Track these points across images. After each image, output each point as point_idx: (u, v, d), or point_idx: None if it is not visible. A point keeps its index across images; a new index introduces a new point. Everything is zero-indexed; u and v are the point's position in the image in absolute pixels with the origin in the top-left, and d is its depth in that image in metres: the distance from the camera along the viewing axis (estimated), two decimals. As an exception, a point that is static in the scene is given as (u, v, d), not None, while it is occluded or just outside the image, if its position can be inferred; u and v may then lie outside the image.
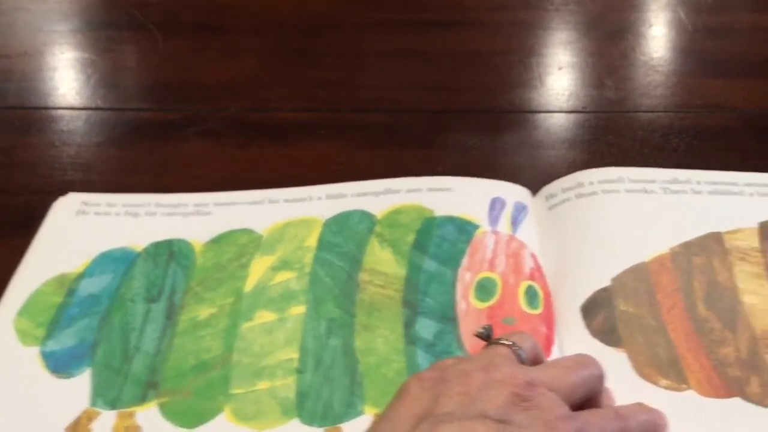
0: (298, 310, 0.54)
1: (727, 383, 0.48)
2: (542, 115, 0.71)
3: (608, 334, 0.51)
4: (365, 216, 0.59)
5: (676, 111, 0.70)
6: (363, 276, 0.55)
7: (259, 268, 0.56)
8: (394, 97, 0.73)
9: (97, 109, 0.73)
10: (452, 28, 0.81)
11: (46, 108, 0.74)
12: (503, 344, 0.45)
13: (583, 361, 0.46)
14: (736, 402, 0.48)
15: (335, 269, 0.56)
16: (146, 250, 0.58)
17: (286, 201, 0.61)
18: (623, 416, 0.44)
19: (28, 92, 0.76)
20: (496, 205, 0.59)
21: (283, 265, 0.56)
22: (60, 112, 0.73)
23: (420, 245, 0.57)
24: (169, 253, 0.58)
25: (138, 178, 0.65)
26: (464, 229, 0.57)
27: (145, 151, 0.68)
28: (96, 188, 0.63)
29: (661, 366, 0.49)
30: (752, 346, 0.50)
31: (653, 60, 0.76)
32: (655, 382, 0.49)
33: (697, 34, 0.79)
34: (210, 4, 0.86)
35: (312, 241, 0.58)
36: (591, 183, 0.60)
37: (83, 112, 0.72)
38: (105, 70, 0.77)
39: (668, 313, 0.52)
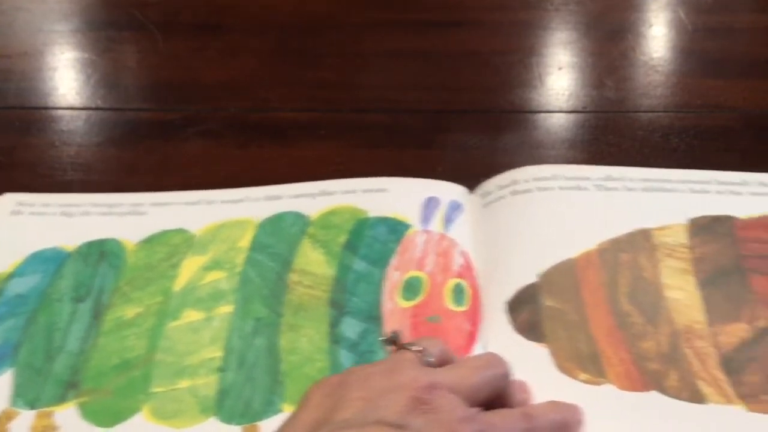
0: (226, 309, 0.54)
1: (645, 377, 0.49)
2: (542, 115, 0.71)
3: (531, 330, 0.51)
4: (299, 217, 0.59)
5: (676, 111, 0.70)
6: (293, 276, 0.55)
7: (190, 267, 0.56)
8: (394, 97, 0.73)
9: (97, 109, 0.73)
10: (452, 28, 0.81)
11: (46, 108, 0.74)
12: (411, 350, 0.45)
13: (489, 360, 0.46)
14: (653, 395, 0.48)
15: (265, 269, 0.56)
16: (77, 250, 0.58)
17: (223, 202, 0.61)
18: (531, 416, 0.44)
19: (28, 92, 0.76)
20: (429, 205, 0.59)
21: (215, 265, 0.56)
22: (60, 112, 0.73)
23: (351, 246, 0.57)
24: (100, 253, 0.58)
25: (138, 178, 0.65)
26: (395, 229, 0.58)
27: (145, 151, 0.68)
28: (96, 188, 0.63)
29: (582, 360, 0.50)
30: (673, 341, 0.50)
31: (653, 60, 0.76)
32: (574, 377, 0.49)
33: (697, 34, 0.79)
34: (210, 4, 0.86)
35: (245, 242, 0.58)
36: (526, 180, 0.60)
37: (83, 112, 0.72)
38: (105, 70, 0.77)
39: (591, 308, 0.52)
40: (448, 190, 0.60)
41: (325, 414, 0.41)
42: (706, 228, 0.57)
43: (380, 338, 0.50)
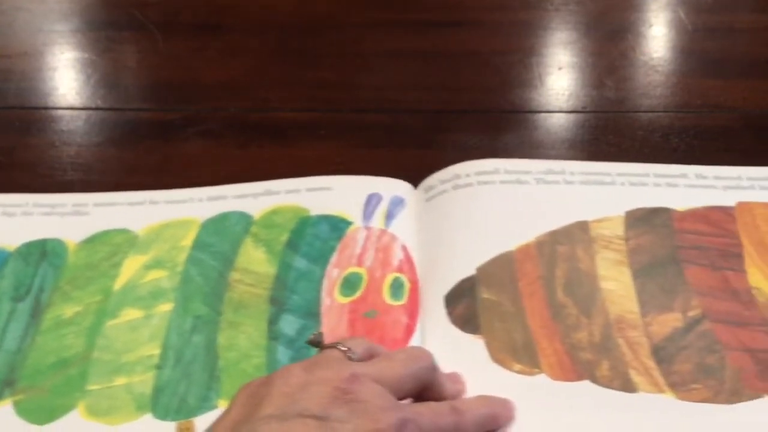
0: (166, 307, 0.54)
1: (578, 367, 0.50)
2: (542, 115, 0.71)
3: (467, 322, 0.52)
4: (243, 217, 0.59)
5: (676, 111, 0.70)
6: (234, 275, 0.56)
7: (131, 266, 0.57)
8: (394, 97, 0.73)
9: (97, 109, 0.73)
10: (452, 28, 0.81)
11: (46, 108, 0.74)
12: (336, 348, 0.45)
13: (413, 353, 0.46)
14: (585, 385, 0.49)
15: (207, 268, 0.56)
16: (18, 250, 0.58)
17: (167, 202, 0.61)
18: (459, 410, 0.44)
19: (28, 92, 0.76)
20: (371, 201, 0.59)
21: (156, 263, 0.57)
22: (60, 112, 0.73)
23: (293, 244, 0.57)
24: (41, 252, 0.58)
25: (138, 178, 0.65)
26: (337, 226, 0.58)
27: (145, 151, 0.68)
28: (96, 188, 0.63)
29: (516, 351, 0.50)
30: (606, 331, 0.51)
31: (653, 60, 0.76)
32: (508, 367, 0.50)
33: (697, 34, 0.79)
34: (210, 4, 0.86)
35: (188, 241, 0.58)
36: (467, 175, 0.60)
37: (83, 112, 0.72)
38: (105, 70, 0.77)
39: (528, 299, 0.53)
40: (391, 187, 0.61)
41: (249, 411, 0.41)
42: (643, 220, 0.57)
43: (306, 340, 0.50)
